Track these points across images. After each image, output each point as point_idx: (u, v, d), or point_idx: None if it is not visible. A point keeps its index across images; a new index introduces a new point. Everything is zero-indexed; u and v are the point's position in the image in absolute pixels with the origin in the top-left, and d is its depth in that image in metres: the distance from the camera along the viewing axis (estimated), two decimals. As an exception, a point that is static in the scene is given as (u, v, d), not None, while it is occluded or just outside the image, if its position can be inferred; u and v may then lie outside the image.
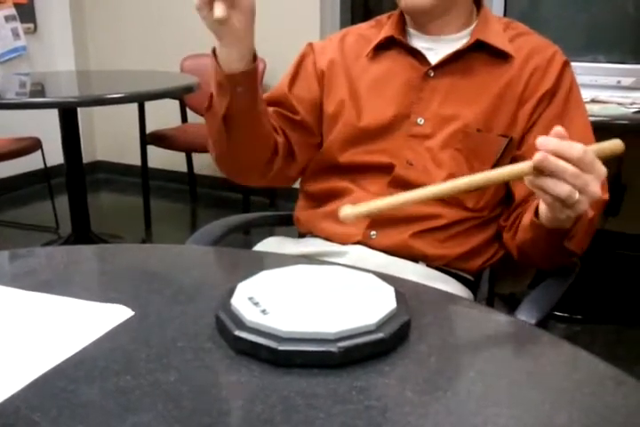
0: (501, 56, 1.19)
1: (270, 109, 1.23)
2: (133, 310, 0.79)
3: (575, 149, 0.78)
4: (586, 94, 1.23)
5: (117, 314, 0.78)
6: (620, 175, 2.54)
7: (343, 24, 3.60)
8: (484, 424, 0.59)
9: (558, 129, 0.79)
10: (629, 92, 2.26)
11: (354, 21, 3.60)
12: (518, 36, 1.21)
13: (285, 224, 1.42)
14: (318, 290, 0.77)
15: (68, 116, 2.84)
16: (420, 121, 1.20)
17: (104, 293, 0.85)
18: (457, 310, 0.87)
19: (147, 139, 3.43)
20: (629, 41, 2.45)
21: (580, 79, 1.22)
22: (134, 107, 3.35)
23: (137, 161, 3.56)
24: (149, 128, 3.44)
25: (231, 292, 0.76)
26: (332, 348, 0.66)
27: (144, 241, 3.35)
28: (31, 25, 3.97)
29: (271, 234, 1.34)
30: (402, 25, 1.24)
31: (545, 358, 0.73)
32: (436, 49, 1.21)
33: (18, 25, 3.85)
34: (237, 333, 0.69)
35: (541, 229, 1.01)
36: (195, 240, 1.25)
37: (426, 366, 0.68)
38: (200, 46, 3.70)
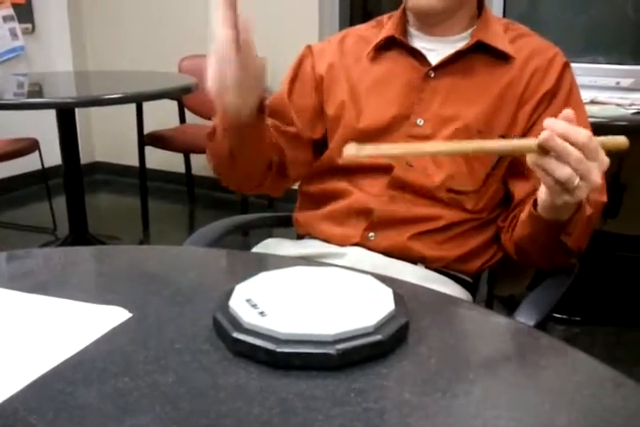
0: (502, 57, 1.19)
1: (269, 122, 1.23)
2: (131, 311, 0.79)
3: (581, 134, 0.78)
4: (585, 95, 1.23)
5: (115, 316, 0.78)
6: (620, 176, 2.54)
7: (342, 25, 3.61)
8: (482, 426, 0.59)
9: (567, 112, 0.79)
10: (628, 93, 2.26)
11: (352, 22, 3.60)
12: (519, 38, 1.21)
13: (284, 225, 1.41)
14: (316, 292, 0.77)
15: (65, 116, 2.84)
16: (420, 122, 1.19)
17: (102, 294, 0.85)
18: (456, 311, 0.87)
19: (145, 140, 3.43)
20: (628, 42, 2.45)
21: (579, 80, 1.22)
22: (132, 107, 3.35)
23: (135, 162, 3.55)
24: (147, 129, 3.44)
25: (229, 293, 0.76)
26: (331, 350, 0.66)
27: (142, 242, 3.34)
28: (29, 25, 3.97)
29: (270, 235, 1.34)
30: (403, 25, 1.24)
31: (544, 360, 0.73)
32: (436, 50, 1.21)
33: (16, 25, 3.84)
34: (235, 335, 0.69)
35: (539, 221, 1.01)
36: (193, 241, 1.25)
37: (424, 368, 0.68)
38: (198, 47, 3.71)
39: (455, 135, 1.17)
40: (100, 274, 0.98)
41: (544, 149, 0.79)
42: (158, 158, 3.79)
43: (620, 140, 0.80)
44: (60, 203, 3.17)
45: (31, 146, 3.13)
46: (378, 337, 0.68)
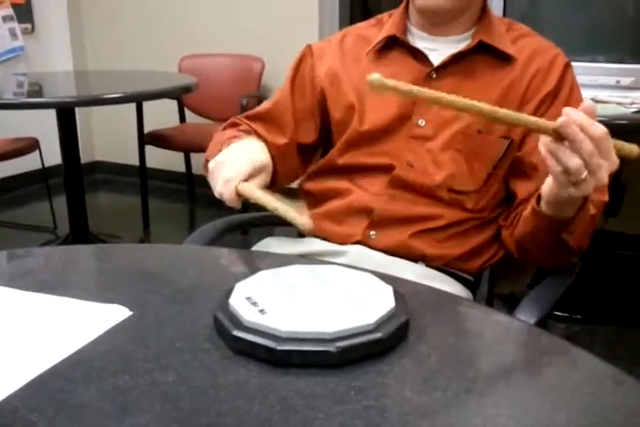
0: (504, 58, 1.18)
1: (261, 132, 1.24)
2: (131, 310, 0.79)
3: (598, 128, 0.78)
4: (585, 94, 1.23)
5: (115, 314, 0.77)
6: (620, 175, 2.54)
7: (342, 23, 3.60)
8: (483, 424, 0.59)
9: (588, 103, 0.79)
10: (629, 91, 2.26)
11: (353, 22, 3.59)
12: (520, 38, 1.21)
13: (284, 224, 1.41)
14: (316, 290, 0.77)
15: (65, 116, 2.84)
16: (421, 122, 1.19)
17: (102, 293, 0.85)
18: (456, 309, 0.87)
19: (145, 139, 3.43)
20: (628, 41, 2.45)
21: (579, 79, 1.22)
22: (132, 107, 3.35)
23: (135, 161, 3.55)
24: (147, 128, 3.44)
25: (229, 292, 0.76)
26: (331, 348, 0.66)
27: (142, 241, 3.35)
28: (29, 25, 3.96)
29: (270, 234, 1.34)
30: (404, 24, 1.23)
31: (544, 358, 0.73)
32: (438, 49, 1.20)
33: (15, 25, 3.84)
34: (235, 333, 0.69)
35: (541, 217, 1.01)
36: (193, 240, 1.25)
37: (425, 366, 0.68)
38: (198, 46, 3.72)
39: (456, 135, 1.17)
40: (100, 273, 0.98)
41: (559, 136, 0.79)
42: (158, 157, 3.79)
43: (634, 149, 0.80)
44: (61, 202, 3.17)
45: (31, 145, 3.13)
46: (378, 335, 0.68)
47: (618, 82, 2.31)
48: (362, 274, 0.82)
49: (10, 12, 3.80)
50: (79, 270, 0.98)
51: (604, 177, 0.81)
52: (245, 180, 1.06)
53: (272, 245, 1.27)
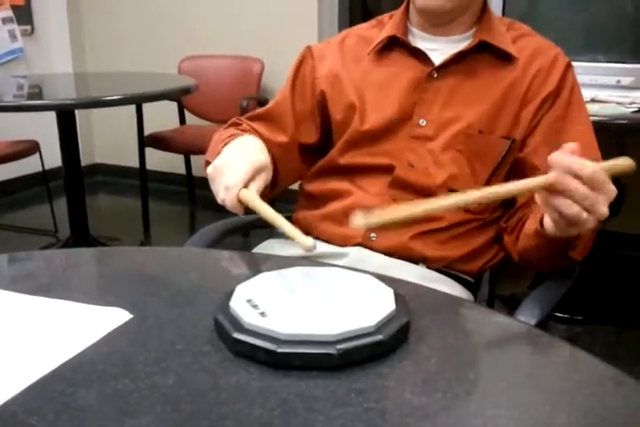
0: (505, 57, 1.18)
1: (262, 131, 1.24)
2: (132, 312, 0.79)
3: (587, 167, 0.78)
4: (585, 94, 1.23)
5: (116, 317, 0.77)
6: (620, 176, 2.53)
7: (341, 24, 3.61)
8: (483, 426, 0.59)
9: (571, 145, 0.80)
10: (629, 91, 2.26)
11: (352, 22, 3.60)
12: (521, 37, 1.21)
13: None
14: (317, 292, 0.77)
15: (65, 118, 2.84)
16: (422, 122, 1.19)
17: (102, 296, 0.85)
18: (457, 311, 0.87)
19: (145, 141, 3.43)
20: (628, 40, 2.45)
21: (579, 79, 1.22)
22: (132, 109, 3.35)
23: (135, 163, 3.55)
24: (147, 130, 3.44)
25: (230, 294, 0.76)
26: (331, 350, 0.66)
27: (142, 244, 3.34)
28: (28, 27, 3.96)
29: (270, 236, 1.34)
30: (404, 24, 1.23)
31: (545, 359, 0.73)
32: (439, 49, 1.21)
33: (15, 27, 3.84)
34: (236, 335, 0.69)
35: (545, 238, 1.01)
36: (193, 242, 1.25)
37: (425, 368, 0.68)
38: (198, 47, 3.72)
39: (457, 135, 1.17)
40: (100, 275, 0.98)
41: (554, 188, 0.80)
42: (158, 160, 3.79)
43: (626, 165, 0.80)
44: (61, 205, 3.18)
45: (31, 148, 3.13)
46: (379, 337, 0.68)
47: (618, 81, 2.31)
48: (362, 276, 0.82)
49: (9, 13, 3.81)
50: (80, 273, 0.98)
51: (604, 210, 0.81)
52: (247, 183, 1.05)
53: (273, 247, 1.27)
